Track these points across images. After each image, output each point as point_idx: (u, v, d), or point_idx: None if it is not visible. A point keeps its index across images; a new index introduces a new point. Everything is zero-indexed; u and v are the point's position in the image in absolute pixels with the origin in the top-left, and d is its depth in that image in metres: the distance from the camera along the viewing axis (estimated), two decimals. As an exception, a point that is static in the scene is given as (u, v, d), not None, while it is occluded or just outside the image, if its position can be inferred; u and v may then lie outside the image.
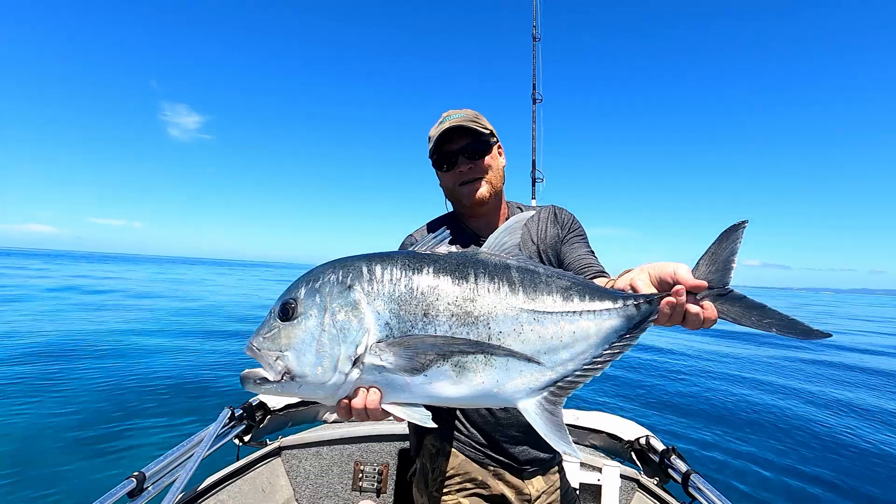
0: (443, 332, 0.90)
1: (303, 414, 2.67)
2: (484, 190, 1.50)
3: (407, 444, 1.87)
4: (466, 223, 1.60)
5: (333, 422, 2.67)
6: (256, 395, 2.51)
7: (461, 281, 0.93)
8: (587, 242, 1.62)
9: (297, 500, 2.38)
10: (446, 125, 1.46)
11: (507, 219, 1.60)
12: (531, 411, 0.95)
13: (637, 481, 2.37)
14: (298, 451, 2.43)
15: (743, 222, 0.96)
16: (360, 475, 2.38)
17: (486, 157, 1.51)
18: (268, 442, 2.45)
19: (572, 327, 0.95)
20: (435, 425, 0.92)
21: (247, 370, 0.92)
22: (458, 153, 1.49)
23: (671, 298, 0.92)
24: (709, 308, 0.93)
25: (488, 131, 1.52)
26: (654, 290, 0.97)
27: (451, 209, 1.68)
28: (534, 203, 3.16)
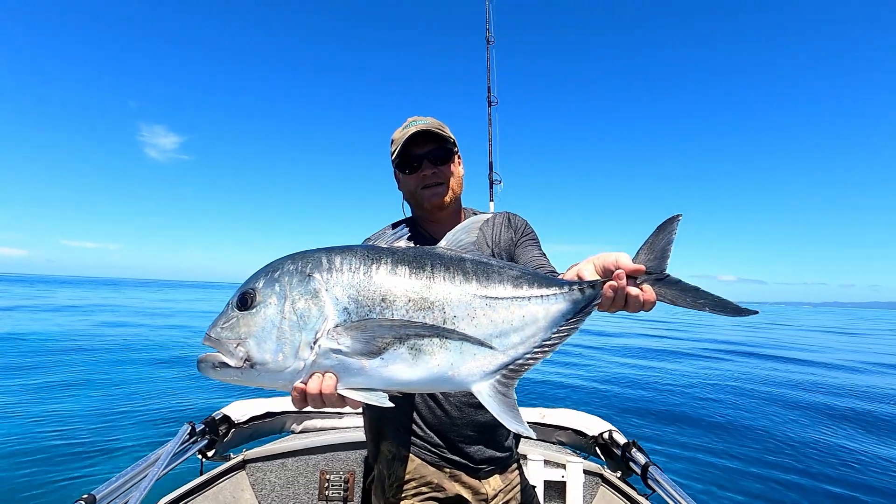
0: (400, 317, 0.92)
1: (268, 426, 2.64)
2: (445, 195, 1.54)
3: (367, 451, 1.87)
4: (425, 227, 1.63)
5: (301, 432, 2.65)
6: (217, 408, 2.47)
7: (418, 270, 0.97)
8: (539, 245, 1.67)
9: None
10: (412, 129, 1.49)
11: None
12: (485, 393, 0.98)
13: (601, 475, 2.42)
14: (263, 464, 2.40)
15: (678, 215, 1.03)
16: (327, 484, 2.37)
17: (449, 164, 1.56)
18: (231, 456, 2.41)
19: (522, 311, 1.00)
20: (392, 404, 0.93)
21: (205, 353, 0.91)
22: (423, 157, 1.52)
23: (613, 282, 0.99)
24: (647, 291, 0.99)
25: (451, 140, 1.57)
26: (599, 277, 1.03)
27: (408, 214, 1.70)
28: (492, 206, 3.21)
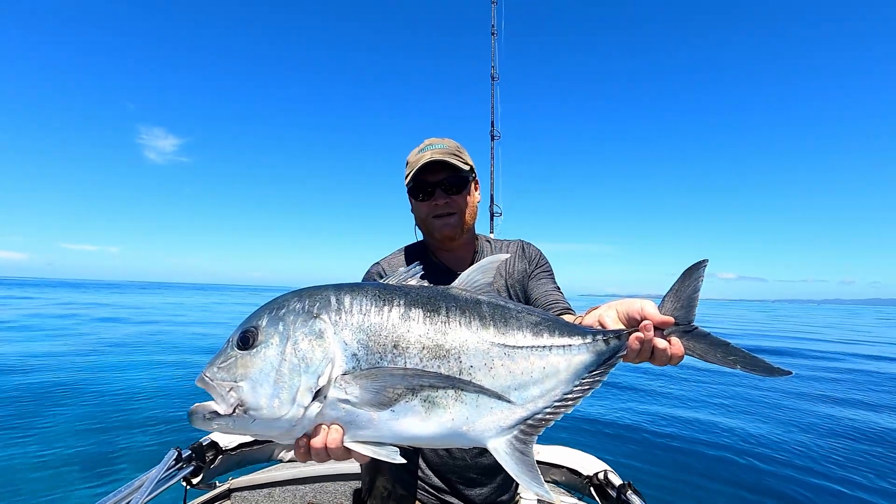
0: (413, 365, 0.86)
1: (257, 453, 2.58)
2: (456, 226, 1.49)
3: (361, 484, 1.83)
4: (436, 255, 1.60)
5: (290, 461, 2.59)
6: (206, 433, 2.42)
7: (433, 314, 0.91)
8: (554, 278, 1.63)
9: None
10: (427, 156, 1.43)
11: (475, 252, 1.63)
12: (501, 451, 0.91)
13: None
14: (249, 493, 2.34)
15: (703, 261, 1.00)
16: None
17: (464, 193, 1.50)
18: (217, 484, 2.35)
19: (542, 363, 0.94)
20: (404, 460, 0.87)
21: (196, 404, 0.84)
22: (436, 186, 1.46)
23: (640, 334, 0.94)
24: (675, 344, 0.95)
25: (468, 167, 1.51)
26: (623, 327, 0.99)
27: (420, 236, 1.66)
28: (492, 236, 3.20)
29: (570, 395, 0.96)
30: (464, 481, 1.47)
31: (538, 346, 0.94)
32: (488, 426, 0.90)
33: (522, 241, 1.70)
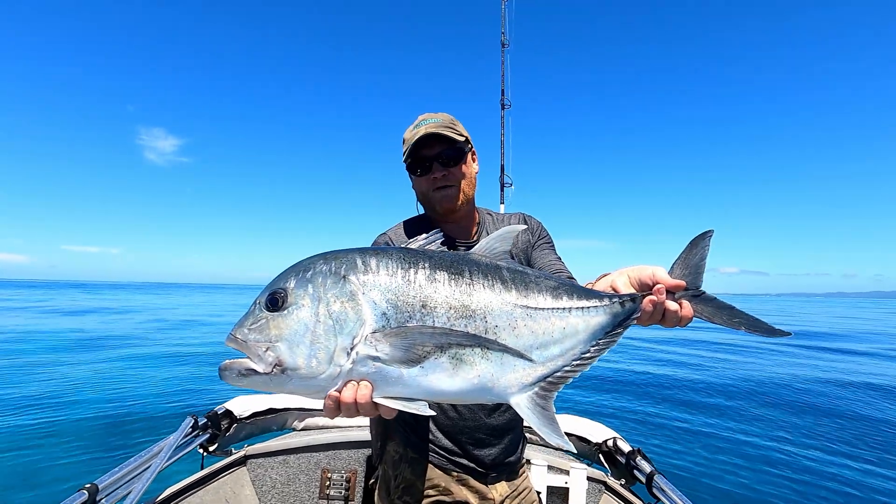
0: (441, 324, 0.89)
1: (271, 422, 2.62)
2: (457, 197, 1.51)
3: (372, 450, 1.86)
4: (446, 230, 1.60)
5: (303, 429, 2.64)
6: (220, 402, 2.46)
7: (457, 276, 0.93)
8: (555, 250, 1.66)
9: None
10: (422, 131, 1.44)
11: (477, 224, 1.64)
12: (523, 406, 0.96)
13: (604, 483, 2.40)
14: (264, 460, 2.39)
15: (709, 231, 1.06)
16: (328, 483, 2.35)
17: (461, 165, 1.51)
18: (233, 451, 2.40)
19: (562, 323, 0.98)
20: (433, 412, 0.90)
21: (229, 360, 0.85)
22: (433, 159, 1.48)
23: (653, 297, 0.99)
24: (686, 306, 1.01)
25: (463, 138, 1.51)
26: (635, 291, 1.03)
27: (421, 211, 1.67)
28: (502, 208, 3.20)
29: (587, 355, 1.01)
30: (473, 442, 1.49)
31: (558, 308, 0.98)
32: (511, 383, 0.94)
33: (523, 214, 1.72)
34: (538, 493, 1.79)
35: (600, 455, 2.49)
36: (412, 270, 0.91)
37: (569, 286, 1.03)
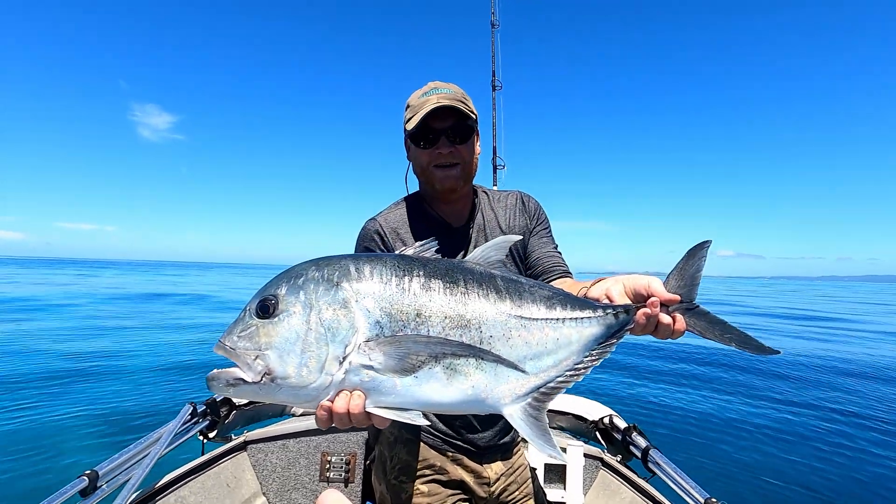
0: (435, 334, 0.88)
1: (270, 408, 2.64)
2: (458, 178, 1.44)
3: (368, 433, 1.88)
4: (433, 207, 1.53)
5: (302, 414, 2.66)
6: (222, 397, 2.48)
7: (452, 285, 0.92)
8: (552, 237, 1.62)
9: (263, 493, 2.36)
10: (433, 100, 1.35)
11: (473, 206, 1.58)
12: (516, 417, 0.96)
13: (601, 459, 2.43)
14: (264, 445, 2.41)
15: (707, 242, 1.05)
16: (328, 466, 2.38)
17: (467, 143, 1.43)
18: (233, 437, 2.42)
19: (556, 334, 0.98)
20: (427, 422, 0.92)
21: (216, 370, 0.84)
22: (441, 133, 1.39)
23: (647, 309, 0.99)
24: (679, 320, 1.00)
25: (474, 116, 1.44)
26: (629, 301, 1.03)
27: (411, 187, 1.60)
28: (495, 189, 3.16)
29: (580, 365, 1.01)
30: (467, 425, 1.49)
31: (552, 319, 0.98)
32: (505, 394, 0.94)
33: (521, 194, 1.64)
34: (534, 469, 1.81)
35: (597, 432, 2.52)
36: (406, 278, 0.90)
37: (563, 296, 1.03)
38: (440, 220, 1.51)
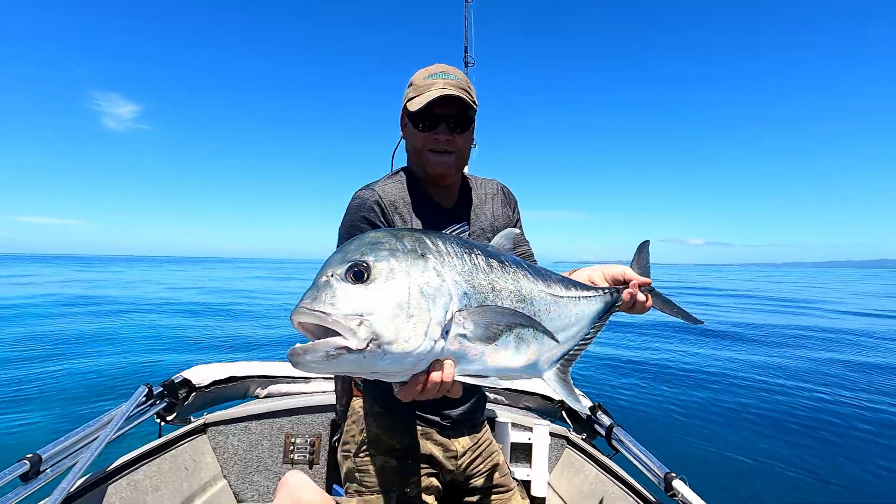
0: (507, 306, 0.96)
1: (231, 391, 2.57)
2: (451, 166, 1.43)
3: (336, 414, 1.84)
4: (427, 188, 1.51)
5: (266, 397, 2.60)
6: (177, 371, 2.38)
7: (503, 264, 1.02)
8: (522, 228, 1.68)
9: (225, 476, 2.30)
10: (440, 85, 1.35)
11: (460, 188, 1.58)
12: (552, 379, 1.14)
13: (566, 438, 2.46)
14: (225, 427, 2.34)
15: (646, 242, 1.39)
16: (292, 448, 2.33)
17: (465, 134, 1.43)
18: (192, 420, 2.34)
19: (576, 309, 1.17)
20: (508, 384, 0.99)
21: (304, 344, 0.75)
22: (442, 119, 1.38)
23: (631, 290, 1.27)
24: (648, 298, 1.30)
25: (475, 106, 1.44)
26: (608, 286, 1.28)
27: (400, 160, 1.60)
28: (466, 170, 3.12)
29: (588, 335, 1.23)
30: (440, 401, 1.49)
31: (573, 297, 1.17)
32: (547, 360, 1.10)
33: (501, 184, 1.68)
34: (501, 447, 1.82)
35: (563, 412, 2.55)
36: (473, 255, 0.96)
37: (568, 279, 1.21)
38: (433, 200, 1.50)
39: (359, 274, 0.80)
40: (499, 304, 0.94)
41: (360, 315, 0.76)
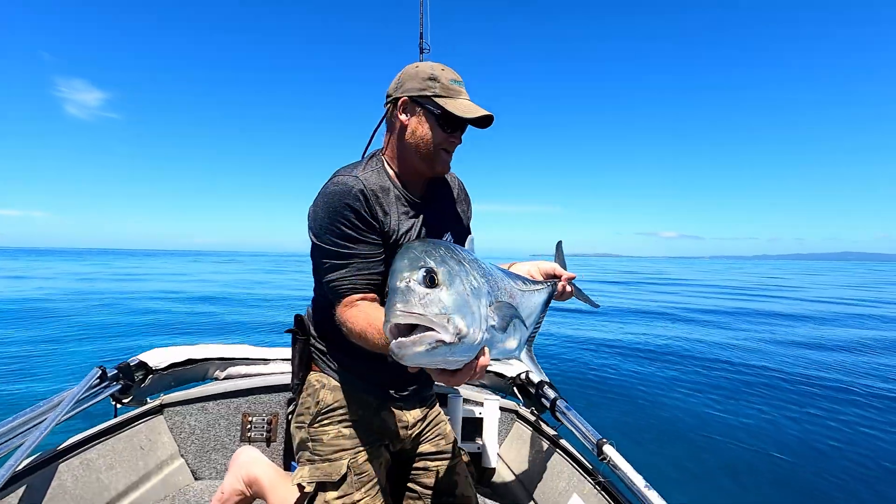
0: (507, 301, 1.15)
1: (189, 373, 2.59)
2: (448, 164, 1.52)
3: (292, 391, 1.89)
4: (400, 178, 1.51)
5: (225, 378, 2.63)
6: (133, 355, 2.40)
7: (489, 266, 1.19)
8: None
9: (182, 455, 2.33)
10: (471, 106, 1.40)
11: (428, 180, 1.61)
12: (525, 358, 1.41)
13: (516, 412, 2.57)
14: (182, 408, 2.37)
15: (560, 241, 1.75)
16: (249, 426, 2.38)
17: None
18: (148, 401, 2.36)
19: (534, 299, 1.39)
20: (513, 362, 1.16)
21: (409, 338, 0.85)
22: (465, 126, 1.46)
23: (563, 283, 1.54)
24: (571, 288, 1.58)
25: None
26: (544, 279, 1.49)
27: (378, 140, 1.57)
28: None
29: (540, 320, 1.50)
30: (391, 372, 1.51)
31: (530, 290, 1.37)
32: (523, 342, 1.30)
33: (459, 180, 1.76)
34: (451, 420, 1.90)
35: (514, 388, 2.66)
36: (478, 261, 1.11)
37: (522, 276, 1.40)
38: (407, 191, 1.52)
39: (431, 279, 0.92)
40: (505, 299, 1.14)
41: (446, 314, 0.88)
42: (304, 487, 1.50)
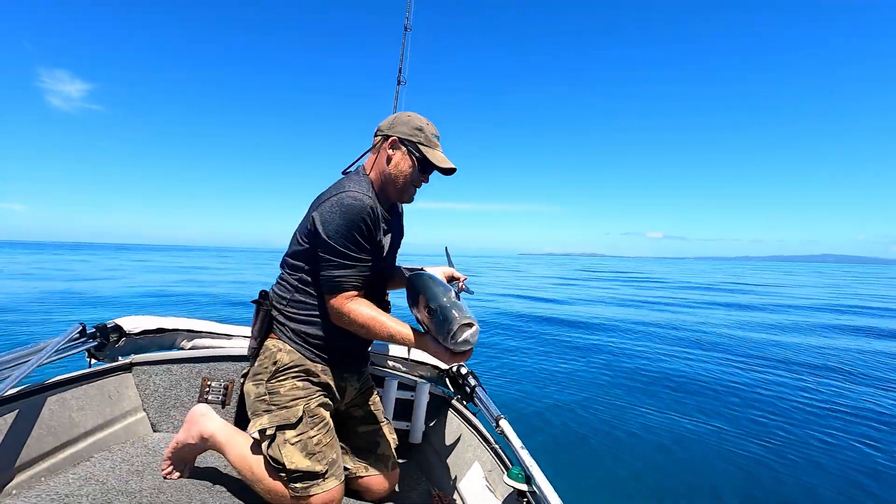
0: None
1: (160, 340, 2.87)
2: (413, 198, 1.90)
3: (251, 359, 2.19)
4: (380, 198, 1.82)
5: (191, 349, 2.92)
6: (112, 318, 2.69)
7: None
8: None
9: (144, 409, 2.62)
10: (445, 159, 1.78)
11: (393, 206, 2.04)
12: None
13: (443, 398, 2.95)
14: (149, 368, 2.65)
15: (446, 247, 2.36)
16: (207, 389, 2.68)
17: None
18: (120, 359, 2.65)
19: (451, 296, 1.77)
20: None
21: (476, 328, 1.54)
22: (432, 173, 1.82)
23: (461, 283, 2.13)
24: (463, 286, 2.16)
25: None
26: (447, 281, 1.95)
27: (359, 160, 1.91)
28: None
29: None
30: (338, 344, 1.86)
31: (451, 289, 1.77)
32: None
33: None
34: (384, 398, 2.25)
35: (446, 379, 3.03)
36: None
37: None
38: (384, 209, 1.87)
39: (457, 294, 1.65)
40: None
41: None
42: (265, 432, 1.71)
